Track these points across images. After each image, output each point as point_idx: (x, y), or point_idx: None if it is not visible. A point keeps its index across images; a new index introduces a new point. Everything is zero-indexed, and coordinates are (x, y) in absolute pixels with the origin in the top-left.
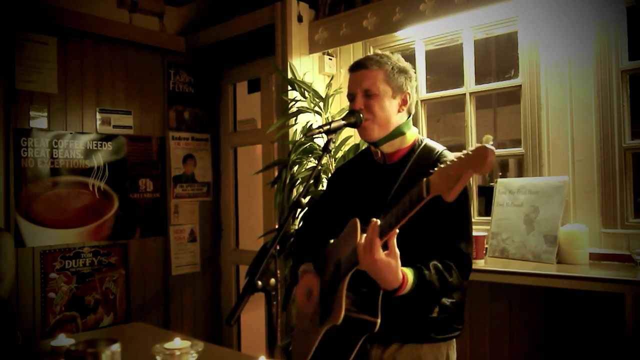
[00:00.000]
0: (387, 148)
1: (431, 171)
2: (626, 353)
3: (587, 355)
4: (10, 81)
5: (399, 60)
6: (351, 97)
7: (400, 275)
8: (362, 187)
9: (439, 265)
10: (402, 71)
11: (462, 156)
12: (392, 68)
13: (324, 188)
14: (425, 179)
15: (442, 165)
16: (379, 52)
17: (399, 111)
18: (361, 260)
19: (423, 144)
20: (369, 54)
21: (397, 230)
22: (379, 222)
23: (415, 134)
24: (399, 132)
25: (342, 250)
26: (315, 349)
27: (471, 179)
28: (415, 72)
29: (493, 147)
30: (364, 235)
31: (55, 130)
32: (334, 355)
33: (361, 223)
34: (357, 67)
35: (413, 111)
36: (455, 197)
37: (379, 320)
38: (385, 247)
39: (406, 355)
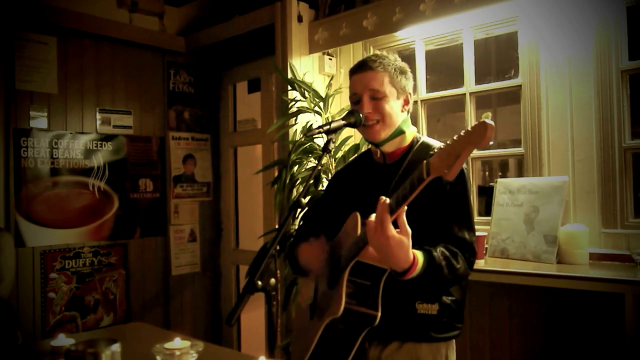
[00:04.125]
0: (387, 147)
1: (431, 152)
2: (626, 353)
3: (587, 356)
4: (10, 81)
5: (397, 60)
6: (356, 98)
7: (411, 255)
8: (362, 187)
9: (446, 251)
10: (402, 72)
11: (462, 134)
12: (395, 69)
13: (324, 189)
14: (425, 161)
15: (442, 146)
16: (378, 52)
17: (402, 111)
18: (372, 240)
19: (421, 141)
20: (369, 54)
21: (406, 207)
22: (387, 200)
23: (413, 132)
24: (399, 132)
25: (342, 246)
26: (315, 345)
27: (472, 178)
28: (410, 71)
29: (492, 122)
30: (373, 215)
31: (55, 130)
32: (334, 351)
33: (362, 220)
34: (362, 68)
35: (411, 110)
36: (455, 176)
37: (379, 314)
38: (395, 225)
39: (404, 354)
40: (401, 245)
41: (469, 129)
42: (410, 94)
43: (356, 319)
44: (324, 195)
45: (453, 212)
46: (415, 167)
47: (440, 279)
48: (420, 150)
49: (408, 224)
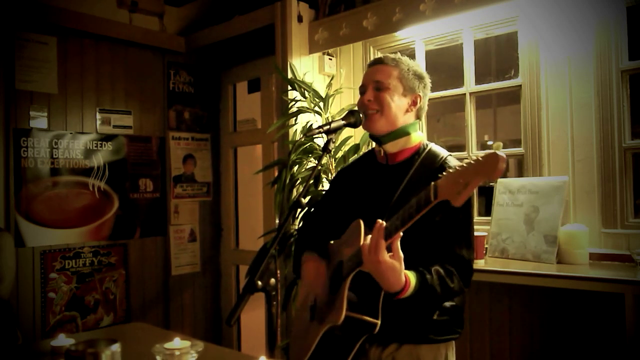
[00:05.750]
0: (390, 147)
1: (440, 175)
2: (626, 353)
3: (587, 355)
4: (10, 81)
5: (417, 66)
6: (363, 89)
7: (403, 278)
8: (365, 187)
9: (441, 270)
10: (418, 76)
11: (472, 162)
12: (408, 69)
13: (325, 188)
14: (433, 183)
15: (450, 170)
16: (399, 55)
17: (407, 111)
18: (365, 261)
19: (428, 148)
20: (369, 54)
21: (402, 233)
22: (384, 223)
23: (420, 138)
24: (403, 132)
25: (344, 251)
26: (314, 348)
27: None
28: (430, 82)
29: (503, 154)
30: (369, 236)
31: (55, 130)
32: (332, 355)
33: (364, 224)
34: (374, 63)
35: (422, 117)
36: (462, 203)
37: (379, 322)
38: (388, 249)
39: (405, 354)
40: (393, 269)
41: (480, 158)
42: (420, 96)
43: (356, 326)
44: (327, 194)
45: (454, 229)
46: (422, 175)
47: (434, 298)
48: (427, 158)
49: (410, 239)
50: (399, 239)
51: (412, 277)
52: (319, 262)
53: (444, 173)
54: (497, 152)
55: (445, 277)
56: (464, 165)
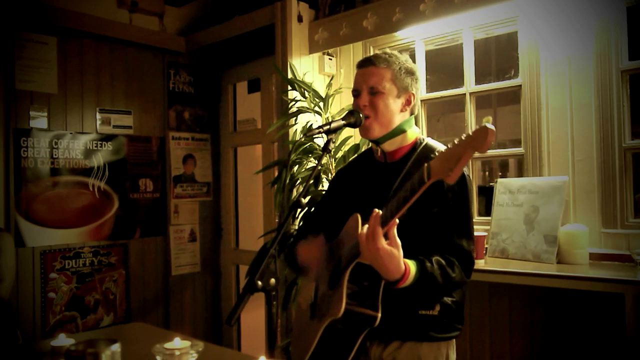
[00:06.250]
0: (388, 146)
1: (432, 156)
2: (626, 353)
3: (587, 355)
4: (10, 81)
5: (407, 61)
6: (356, 92)
7: (403, 266)
8: (364, 186)
9: (442, 260)
10: (409, 72)
11: (463, 138)
12: (400, 68)
13: (325, 188)
14: (426, 164)
15: (442, 150)
16: (388, 51)
17: (401, 110)
18: (363, 250)
19: (424, 143)
20: (369, 54)
21: (397, 221)
22: (380, 212)
23: (416, 133)
24: (399, 130)
25: (343, 246)
26: (315, 345)
27: (472, 178)
28: (419, 74)
29: (493, 127)
30: (366, 226)
31: (55, 130)
32: (334, 351)
33: (363, 221)
34: (365, 64)
35: (416, 112)
36: (455, 179)
37: (379, 315)
38: (385, 237)
39: (406, 354)
40: (391, 256)
41: (470, 133)
42: (413, 94)
43: (356, 320)
44: (326, 194)
45: (453, 220)
46: (418, 169)
47: (435, 287)
48: (423, 152)
49: (409, 231)
50: (395, 226)
51: (411, 265)
52: (314, 241)
53: (437, 153)
54: (487, 125)
55: (446, 266)
56: (455, 142)
